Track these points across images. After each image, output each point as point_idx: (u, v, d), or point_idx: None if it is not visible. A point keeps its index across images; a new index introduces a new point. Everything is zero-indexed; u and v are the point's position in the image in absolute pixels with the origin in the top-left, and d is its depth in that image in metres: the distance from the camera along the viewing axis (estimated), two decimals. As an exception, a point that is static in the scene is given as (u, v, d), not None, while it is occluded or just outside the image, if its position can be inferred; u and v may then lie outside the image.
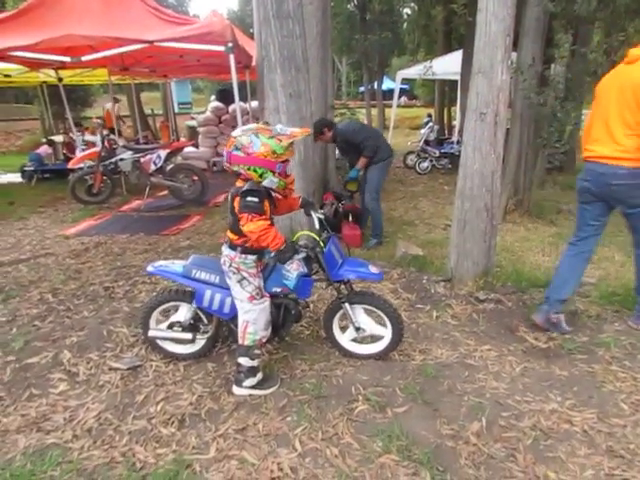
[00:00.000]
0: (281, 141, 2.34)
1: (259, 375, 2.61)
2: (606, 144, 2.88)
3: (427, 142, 10.05)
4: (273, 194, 2.51)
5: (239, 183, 2.44)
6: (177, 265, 2.76)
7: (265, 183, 2.38)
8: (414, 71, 9.96)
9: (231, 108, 9.92)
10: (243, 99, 8.17)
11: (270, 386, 2.62)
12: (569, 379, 2.81)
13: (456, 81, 10.14)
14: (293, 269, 2.62)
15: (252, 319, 2.51)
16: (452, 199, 3.94)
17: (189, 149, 9.74)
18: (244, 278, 2.50)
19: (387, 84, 21.91)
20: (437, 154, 9.73)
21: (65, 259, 4.71)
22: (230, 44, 4.66)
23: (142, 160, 6.72)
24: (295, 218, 4.47)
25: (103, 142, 6.71)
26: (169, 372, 2.80)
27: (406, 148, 11.04)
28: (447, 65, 9.57)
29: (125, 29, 5.18)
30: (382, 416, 2.43)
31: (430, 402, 2.55)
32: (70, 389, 2.67)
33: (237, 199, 2.39)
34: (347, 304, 2.80)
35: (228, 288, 2.60)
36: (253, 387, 2.58)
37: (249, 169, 2.35)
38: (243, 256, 2.48)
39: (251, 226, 2.33)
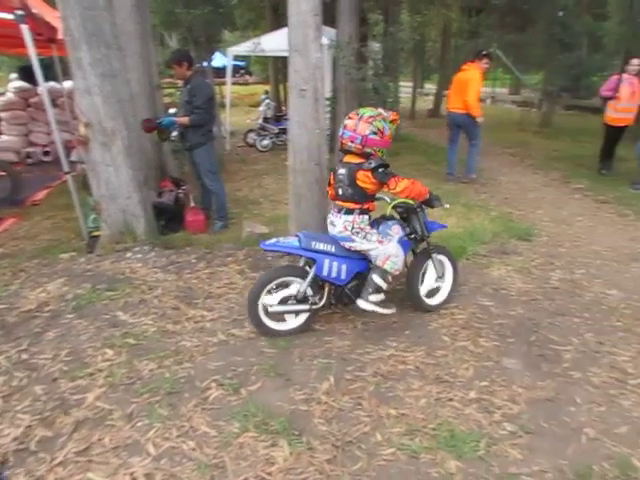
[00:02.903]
0: (392, 124, 2.84)
1: (382, 296, 2.95)
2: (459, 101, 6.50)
3: (266, 119, 10.09)
4: None
5: (352, 159, 2.84)
6: (291, 240, 2.91)
7: None
8: (244, 48, 9.81)
9: (40, 89, 8.65)
10: (54, 78, 7.21)
11: (389, 307, 2.99)
12: (401, 325, 3.17)
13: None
14: (394, 233, 2.99)
15: (393, 253, 2.87)
16: (289, 175, 4.05)
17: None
18: (367, 233, 2.88)
19: (222, 61, 21.29)
20: (276, 130, 9.84)
21: None
22: (20, 12, 3.98)
23: None
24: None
25: None
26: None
27: (246, 126, 10.97)
28: (276, 42, 9.55)
29: None
30: (237, 398, 2.46)
31: (283, 373, 2.65)
32: None
33: (363, 173, 2.77)
34: (435, 254, 3.22)
35: (343, 256, 2.94)
36: (377, 304, 2.91)
37: (379, 150, 2.80)
38: (361, 217, 2.88)
39: (402, 184, 2.78)
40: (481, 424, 2.28)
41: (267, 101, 10.63)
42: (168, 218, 4.94)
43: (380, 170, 2.73)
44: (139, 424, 2.27)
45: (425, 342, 2.96)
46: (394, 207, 3.13)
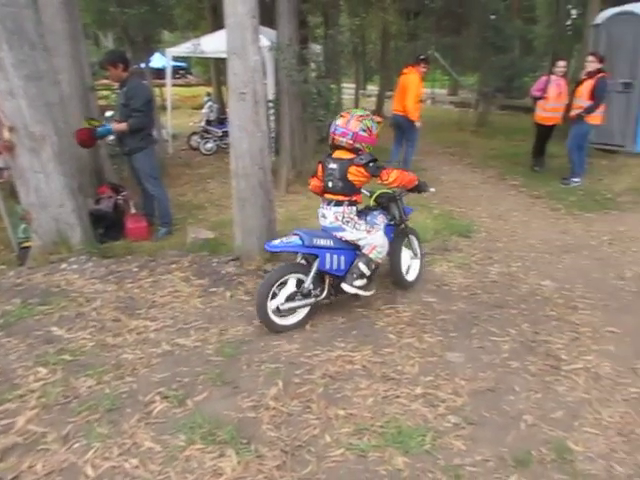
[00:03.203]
0: (377, 125, 3.14)
1: (365, 281, 3.19)
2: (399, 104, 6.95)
3: (209, 122, 9.89)
4: None
5: (343, 154, 3.11)
6: (293, 239, 3.04)
7: None
8: (183, 49, 9.57)
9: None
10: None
11: (371, 289, 3.28)
12: (349, 325, 3.19)
13: (228, 59, 10.10)
14: (380, 221, 3.29)
15: (379, 244, 3.15)
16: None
17: None
18: (355, 222, 3.15)
19: (162, 62, 20.70)
20: (220, 133, 9.65)
21: None
22: None
23: None
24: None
25: None
26: None
27: (189, 129, 10.71)
28: (216, 43, 9.37)
29: None
30: (182, 409, 2.38)
31: (230, 381, 2.60)
32: None
33: (355, 168, 3.04)
34: (410, 235, 3.62)
35: (341, 248, 3.15)
36: (360, 288, 3.16)
37: (367, 146, 3.08)
38: (349, 208, 3.14)
39: (393, 175, 3.10)
40: (427, 418, 2.33)
41: (209, 103, 10.44)
42: (107, 226, 4.74)
43: (371, 165, 3.04)
44: (76, 445, 2.15)
45: (372, 341, 3.00)
46: (376, 198, 3.43)
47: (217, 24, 12.14)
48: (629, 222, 5.27)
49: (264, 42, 7.03)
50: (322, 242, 3.10)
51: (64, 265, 3.87)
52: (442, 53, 13.08)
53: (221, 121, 10.02)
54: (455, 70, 13.91)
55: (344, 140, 3.06)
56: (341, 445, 2.16)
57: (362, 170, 3.04)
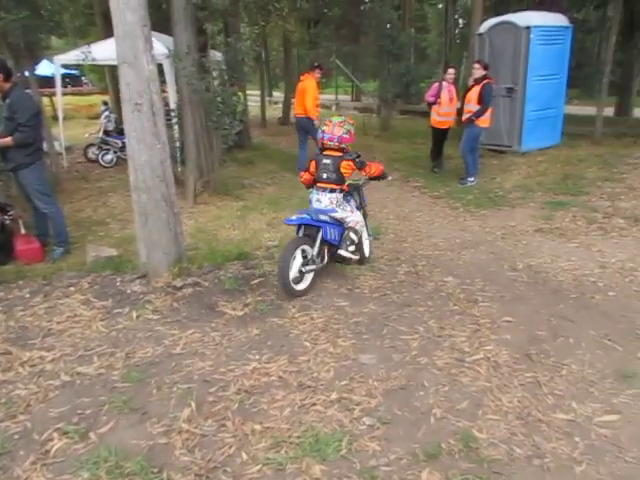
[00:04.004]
0: (353, 126, 3.92)
1: (353, 247, 3.87)
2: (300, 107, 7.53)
3: (107, 132, 9.34)
4: None
5: (334, 153, 3.84)
6: (304, 215, 3.71)
7: None
8: (73, 56, 8.93)
9: None
10: None
11: (357, 255, 4.01)
12: (263, 337, 3.15)
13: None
14: (353, 203, 4.06)
15: (360, 220, 4.01)
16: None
17: None
18: (344, 205, 3.92)
19: (51, 69, 19.22)
20: (120, 144, 9.11)
21: None
22: None
23: None
24: None
25: None
26: None
27: (85, 140, 10.03)
28: (109, 50, 8.85)
29: None
30: (85, 444, 2.21)
31: (138, 407, 2.46)
32: None
33: (346, 162, 3.79)
34: (365, 218, 4.30)
35: (334, 224, 3.85)
36: (351, 252, 3.85)
37: (349, 145, 3.87)
38: (341, 194, 3.91)
39: (373, 168, 3.95)
40: (343, 423, 2.36)
41: (107, 113, 9.84)
42: (-8, 250, 4.31)
43: (358, 160, 3.83)
44: (-42, 503, 1.91)
45: (287, 350, 2.99)
46: (347, 186, 4.03)
47: (109, 30, 11.51)
48: (519, 217, 5.75)
49: (162, 49, 6.78)
50: (323, 217, 3.77)
51: (-61, 298, 3.44)
52: (343, 60, 13.47)
53: (120, 131, 9.43)
54: (356, 77, 14.40)
55: (332, 144, 3.81)
56: (258, 461, 2.13)
57: (351, 164, 3.81)
